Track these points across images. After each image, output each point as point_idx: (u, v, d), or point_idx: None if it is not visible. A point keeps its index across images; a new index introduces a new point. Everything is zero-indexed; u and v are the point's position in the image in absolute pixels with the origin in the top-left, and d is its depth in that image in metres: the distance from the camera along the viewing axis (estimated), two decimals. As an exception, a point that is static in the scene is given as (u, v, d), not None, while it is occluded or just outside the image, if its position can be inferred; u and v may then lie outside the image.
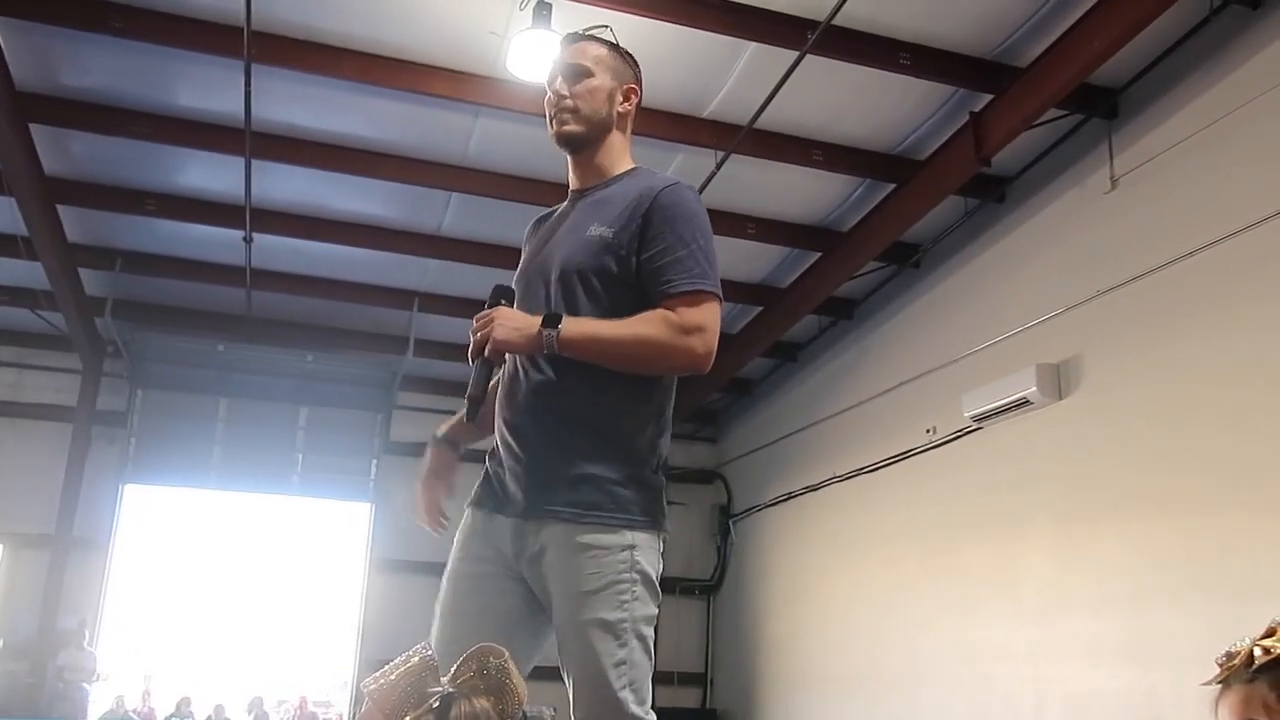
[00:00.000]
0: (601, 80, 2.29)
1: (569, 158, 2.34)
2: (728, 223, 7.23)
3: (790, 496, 9.26)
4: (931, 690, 6.85)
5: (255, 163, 6.36)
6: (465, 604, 2.16)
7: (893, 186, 6.67)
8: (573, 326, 2.04)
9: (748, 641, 9.91)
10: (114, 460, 9.69)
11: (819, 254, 7.64)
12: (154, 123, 6.28)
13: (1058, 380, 5.93)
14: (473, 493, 2.27)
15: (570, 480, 2.06)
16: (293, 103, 6.10)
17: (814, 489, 8.82)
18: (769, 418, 10.07)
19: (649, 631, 2.10)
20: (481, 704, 1.22)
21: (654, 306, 2.10)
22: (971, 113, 5.83)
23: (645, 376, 2.15)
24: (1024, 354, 6.14)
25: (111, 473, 9.67)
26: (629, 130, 2.37)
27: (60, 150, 6.66)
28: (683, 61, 5.68)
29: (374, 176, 6.67)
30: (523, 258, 2.36)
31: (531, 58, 5.06)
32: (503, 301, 2.13)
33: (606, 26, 2.41)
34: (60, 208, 7.21)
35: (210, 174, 6.88)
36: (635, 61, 2.41)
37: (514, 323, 2.06)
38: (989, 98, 5.72)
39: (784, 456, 9.54)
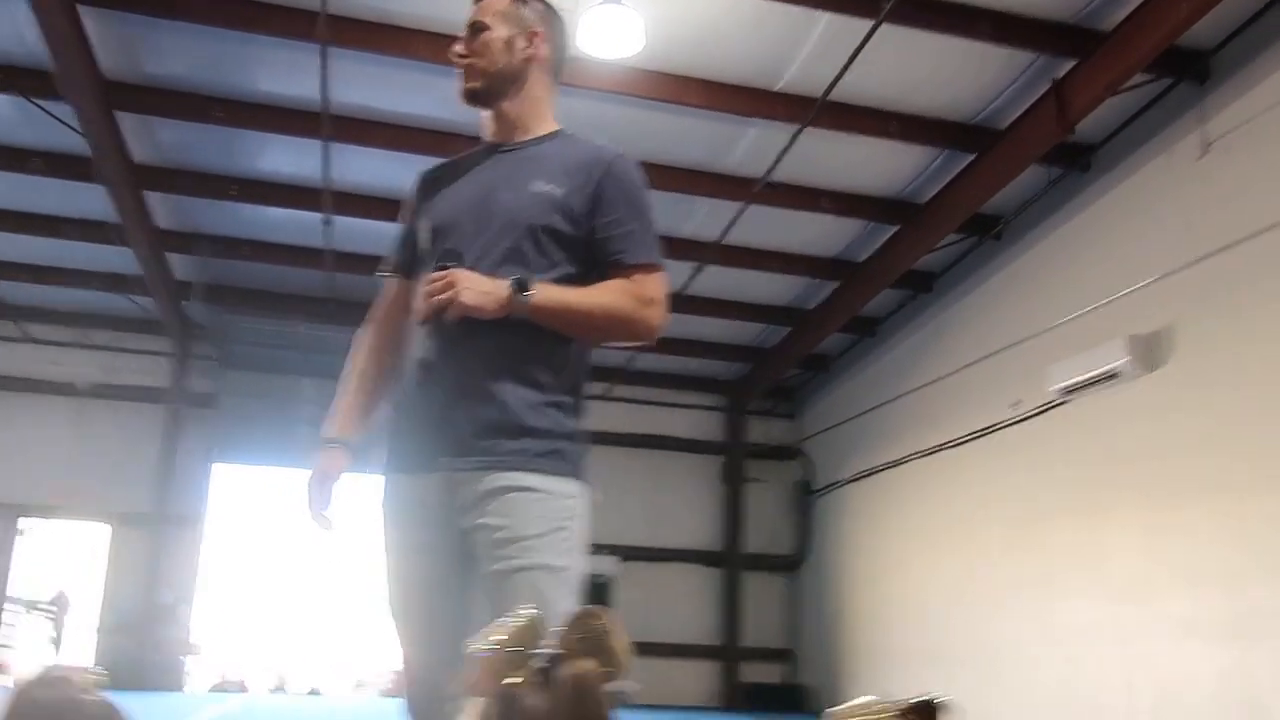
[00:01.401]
0: (498, 31, 2.21)
1: (484, 113, 2.26)
2: (802, 197, 7.14)
3: (871, 472, 9.16)
4: (1015, 668, 6.73)
5: (333, 145, 6.45)
6: (419, 588, 2.04)
7: (972, 157, 6.50)
8: (544, 293, 1.99)
9: (831, 617, 9.85)
10: (204, 440, 9.98)
11: (896, 227, 7.50)
12: (235, 108, 6.41)
13: (1149, 351, 5.75)
14: (385, 459, 2.14)
15: (512, 431, 1.98)
16: (368, 85, 6.16)
17: (895, 464, 8.71)
18: (848, 393, 9.96)
19: (581, 584, 2.01)
20: (586, 665, 1.22)
21: (605, 274, 2.08)
22: (1054, 79, 5.65)
23: (560, 341, 2.09)
24: (1113, 325, 5.96)
25: (202, 452, 9.96)
26: (548, 79, 2.27)
27: (147, 137, 6.84)
28: (756, 35, 5.61)
29: (450, 155, 6.70)
30: (434, 209, 2.22)
31: (603, 33, 5.04)
32: (451, 263, 2.02)
33: None
34: (148, 194, 7.41)
35: (290, 158, 7.01)
36: (546, 7, 2.30)
37: (480, 286, 1.97)
38: (1072, 63, 5.54)
39: (864, 432, 9.43)
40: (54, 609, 10.52)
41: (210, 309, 9.22)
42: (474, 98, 2.22)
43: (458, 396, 2.02)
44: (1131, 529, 5.77)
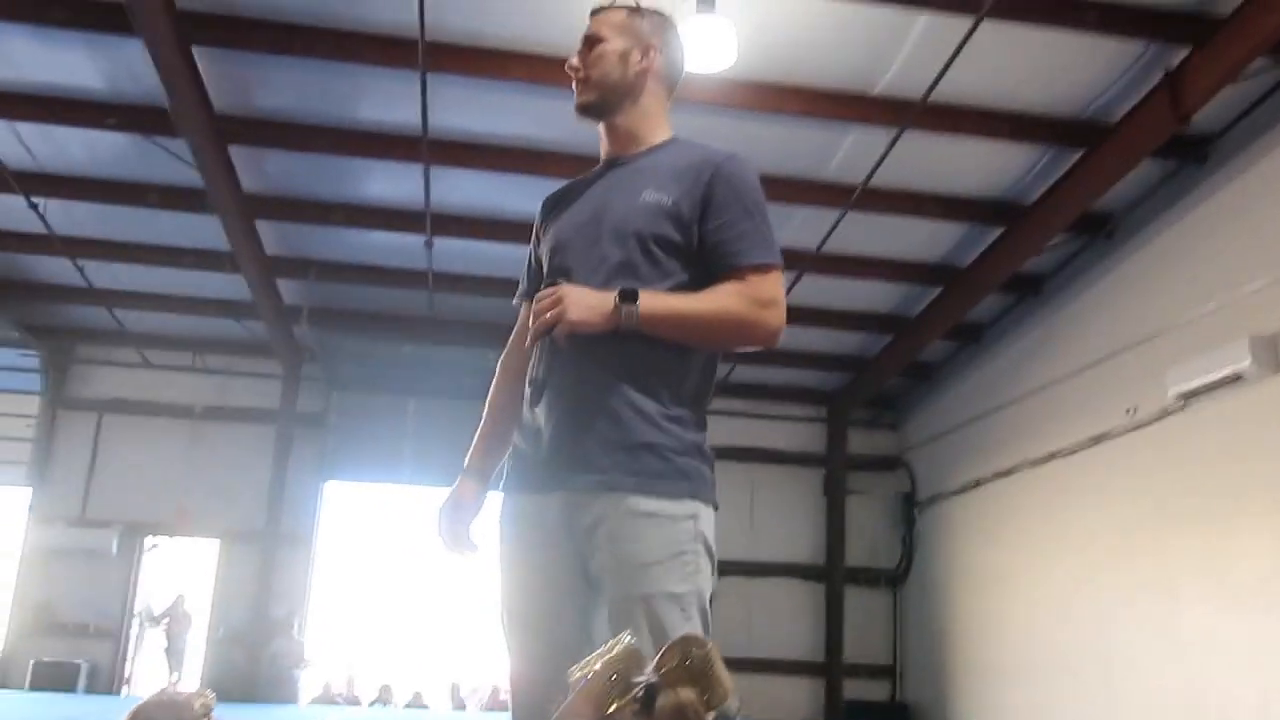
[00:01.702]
0: (614, 44, 2.19)
1: (600, 127, 2.25)
2: (903, 201, 7.02)
3: (978, 483, 8.93)
4: (1137, 681, 6.47)
5: (433, 169, 6.58)
6: (535, 607, 2.01)
7: (1081, 153, 6.30)
8: (651, 302, 1.94)
9: (937, 633, 9.62)
10: (314, 459, 10.25)
11: (1001, 229, 7.31)
12: (338, 137, 6.58)
13: (1275, 352, 5.48)
14: (504, 478, 2.12)
15: (630, 448, 1.93)
16: (465, 108, 6.26)
17: (1003, 475, 8.47)
18: (952, 402, 9.73)
19: (706, 608, 1.95)
20: (686, 694, 1.19)
21: (717, 277, 2.02)
22: (1167, 69, 5.44)
23: (678, 355, 2.03)
24: (1235, 325, 5.71)
25: (312, 471, 10.23)
26: (663, 92, 2.24)
27: (256, 169, 7.06)
28: (851, 39, 5.53)
29: (546, 175, 6.74)
30: (552, 230, 2.21)
31: (698, 47, 5.02)
32: (560, 280, 2.00)
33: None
34: (258, 223, 7.65)
35: (392, 183, 7.16)
36: (663, 19, 2.27)
37: (587, 300, 1.93)
38: (1186, 51, 5.32)
39: (969, 442, 9.20)
40: (172, 623, 10.90)
41: (318, 332, 9.47)
42: (587, 111, 2.22)
43: (573, 414, 1.99)
44: (1261, 533, 5.50)
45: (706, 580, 1.95)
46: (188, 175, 6.57)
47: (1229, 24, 5.02)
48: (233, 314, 9.23)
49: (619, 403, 1.97)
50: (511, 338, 2.29)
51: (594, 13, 2.27)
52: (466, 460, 2.24)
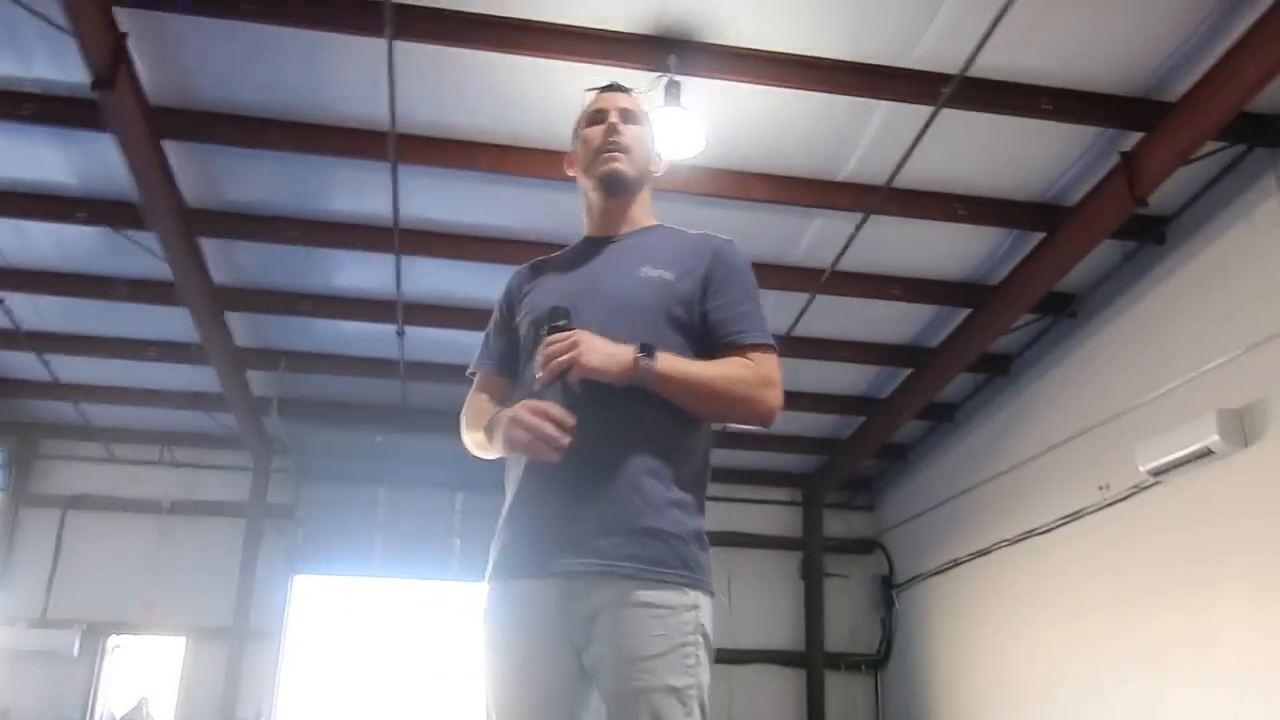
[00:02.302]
0: (648, 132, 2.28)
1: (597, 202, 2.25)
2: (871, 284, 7.10)
3: (955, 564, 8.88)
4: (1127, 767, 6.36)
5: (404, 258, 6.60)
6: (526, 700, 1.93)
7: (1043, 235, 6.42)
8: (668, 360, 1.94)
9: (921, 717, 9.46)
10: (284, 552, 10.05)
11: (969, 310, 7.40)
12: (309, 228, 6.60)
13: (1242, 426, 5.53)
14: (491, 566, 2.05)
15: (633, 533, 1.89)
16: (434, 198, 6.31)
17: (981, 554, 8.43)
18: (927, 482, 9.72)
19: (705, 701, 1.93)
20: None
21: (720, 354, 2.05)
22: (1122, 153, 5.58)
23: (698, 426, 2.05)
24: (1202, 400, 5.76)
25: (282, 564, 10.02)
26: (650, 191, 2.35)
27: (226, 260, 7.06)
28: (815, 127, 5.65)
29: (517, 262, 6.75)
30: (533, 300, 2.18)
31: (664, 137, 5.10)
32: (563, 322, 1.97)
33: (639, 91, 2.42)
34: (228, 314, 7.62)
35: (362, 273, 7.18)
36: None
37: (604, 348, 1.91)
38: (1140, 135, 5.48)
39: (946, 522, 9.17)
40: (136, 724, 10.55)
41: (288, 423, 9.37)
42: (618, 181, 2.22)
43: (579, 488, 1.93)
44: (1242, 612, 5.47)
45: (706, 672, 1.92)
46: (157, 268, 6.57)
47: (1178, 109, 5.17)
48: (201, 406, 9.13)
49: (622, 482, 1.93)
50: (470, 405, 2.26)
51: (616, 89, 2.31)
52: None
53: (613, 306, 2.06)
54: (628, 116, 2.23)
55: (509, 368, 2.23)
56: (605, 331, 1.99)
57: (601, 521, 1.91)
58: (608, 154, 2.19)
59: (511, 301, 2.29)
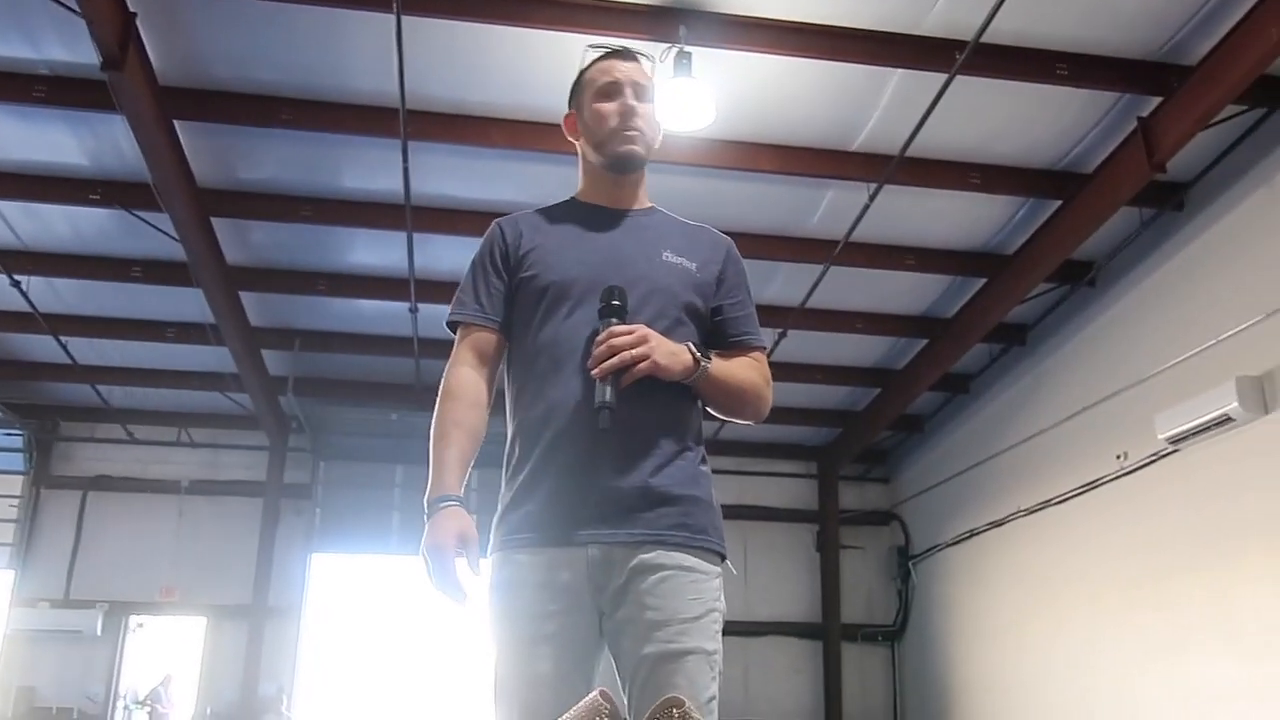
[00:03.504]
0: (655, 107, 2.21)
1: (605, 176, 2.18)
2: (885, 255, 7.06)
3: (972, 534, 8.87)
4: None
5: (416, 236, 6.59)
6: (541, 673, 1.86)
7: (1059, 203, 6.36)
8: (717, 363, 2.03)
9: (938, 688, 9.48)
10: (302, 531, 10.13)
11: (984, 280, 7.36)
12: (322, 207, 6.60)
13: (1263, 393, 5.49)
14: (506, 536, 1.97)
15: (677, 500, 1.94)
16: (447, 175, 6.30)
17: (997, 524, 8.42)
18: (943, 453, 9.70)
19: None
20: None
21: (729, 351, 2.11)
22: (1139, 118, 5.52)
23: (698, 405, 2.09)
24: (1221, 367, 5.72)
25: (300, 543, 10.10)
26: None
27: (239, 240, 7.07)
28: (828, 96, 5.61)
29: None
30: (546, 260, 2.08)
31: (675, 108, 5.07)
32: (618, 303, 1.94)
33: (650, 57, 2.28)
34: (242, 294, 7.63)
35: (376, 251, 7.17)
36: None
37: (668, 347, 1.95)
38: (1157, 101, 5.41)
39: (962, 493, 9.16)
40: (157, 704, 10.67)
41: (304, 402, 9.41)
42: (634, 160, 2.16)
43: (614, 460, 1.92)
44: (1264, 580, 5.45)
45: (721, 644, 1.96)
46: (171, 249, 6.57)
47: (1197, 73, 5.10)
48: (218, 387, 9.16)
49: (659, 454, 1.96)
50: (462, 360, 2.08)
51: (626, 56, 2.21)
52: (441, 487, 1.96)
53: (647, 289, 2.03)
54: (641, 93, 2.16)
55: (502, 323, 2.11)
56: (636, 311, 1.99)
57: (643, 494, 1.92)
58: (626, 135, 2.13)
59: (508, 252, 2.14)
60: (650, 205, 2.25)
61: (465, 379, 2.05)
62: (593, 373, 1.91)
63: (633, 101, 2.14)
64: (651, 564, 1.89)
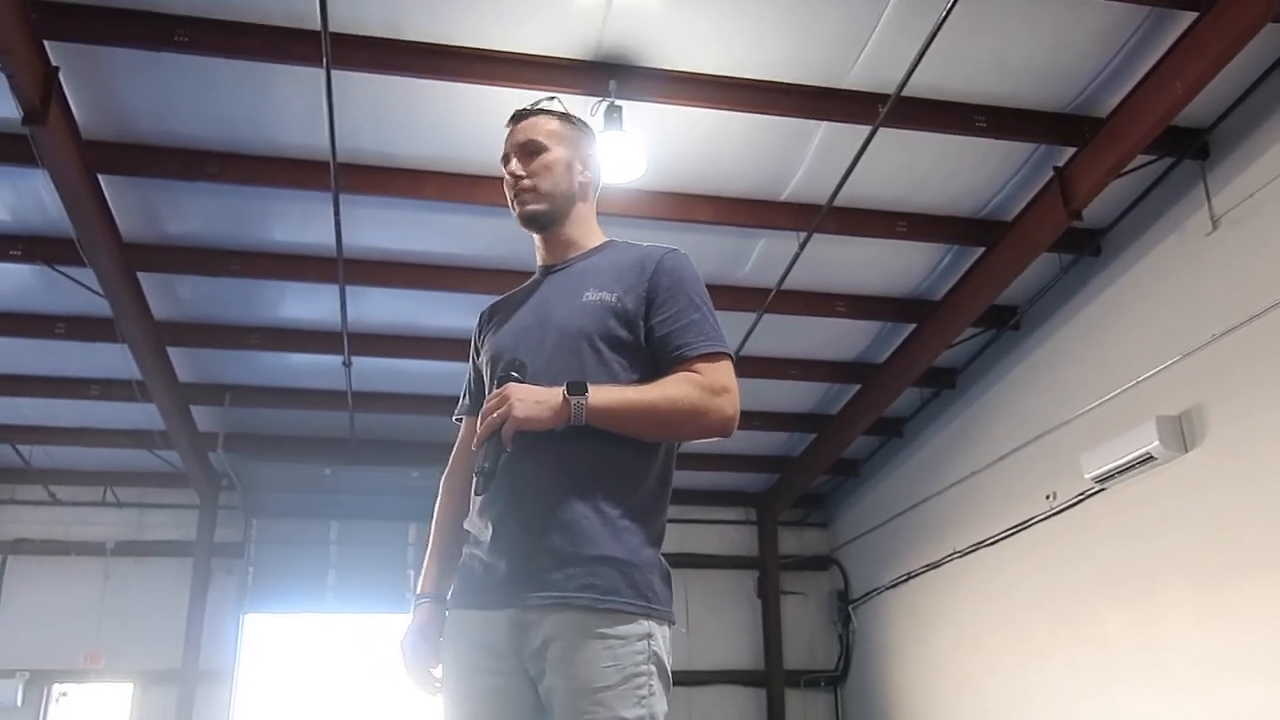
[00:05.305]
0: (557, 153, 2.19)
1: (536, 237, 2.24)
2: (816, 302, 7.17)
3: (910, 577, 8.95)
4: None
5: (349, 289, 6.54)
6: None
7: (982, 250, 6.54)
8: (601, 394, 1.90)
9: (880, 733, 9.49)
10: (234, 590, 9.86)
11: (913, 325, 7.50)
12: (252, 260, 6.53)
13: (1181, 432, 5.65)
14: (451, 592, 2.07)
15: (584, 561, 1.87)
16: (380, 227, 6.28)
17: (934, 566, 8.51)
18: (880, 497, 9.80)
19: None
20: None
21: (667, 370, 2.01)
22: (1056, 168, 5.72)
23: (651, 449, 2.02)
24: (1142, 407, 5.88)
25: (232, 603, 9.83)
26: (593, 200, 2.30)
27: (167, 294, 6.96)
28: (757, 148, 5.72)
29: (461, 291, 6.77)
30: (491, 341, 2.19)
31: (609, 160, 5.12)
32: (514, 375, 1.96)
33: (554, 98, 2.32)
34: (170, 349, 7.49)
35: (307, 304, 7.10)
36: (589, 128, 2.32)
37: (533, 396, 1.89)
38: (1072, 151, 5.61)
39: (899, 536, 9.25)
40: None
41: (234, 458, 9.22)
42: (536, 220, 2.19)
43: (523, 522, 1.93)
44: (1186, 617, 5.58)
45: (661, 702, 1.90)
46: (96, 304, 6.44)
47: (1108, 124, 5.31)
48: (145, 444, 8.94)
49: (572, 512, 1.91)
50: (453, 455, 2.26)
51: (522, 117, 2.26)
52: (420, 584, 2.16)
53: (558, 337, 2.04)
54: (530, 149, 2.19)
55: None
56: (550, 363, 1.99)
57: (554, 553, 1.89)
58: (517, 201, 2.20)
59: (478, 339, 2.29)
60: (600, 242, 2.25)
61: (453, 472, 2.26)
62: (471, 446, 2.03)
63: (515, 167, 2.20)
64: (564, 630, 1.86)
